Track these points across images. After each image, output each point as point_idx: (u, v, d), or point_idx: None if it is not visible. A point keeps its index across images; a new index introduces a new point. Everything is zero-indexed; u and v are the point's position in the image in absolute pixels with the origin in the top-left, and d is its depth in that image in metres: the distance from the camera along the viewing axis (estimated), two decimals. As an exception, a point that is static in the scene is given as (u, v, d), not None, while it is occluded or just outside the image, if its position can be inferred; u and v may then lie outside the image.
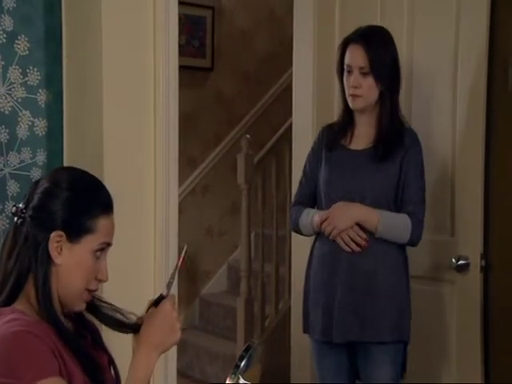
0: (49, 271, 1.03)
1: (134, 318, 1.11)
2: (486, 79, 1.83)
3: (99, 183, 1.09)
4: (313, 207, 1.83)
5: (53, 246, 1.03)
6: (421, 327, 1.87)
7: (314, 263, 1.80)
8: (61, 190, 1.04)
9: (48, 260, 1.03)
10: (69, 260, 1.03)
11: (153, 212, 1.86)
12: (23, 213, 1.04)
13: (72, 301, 1.06)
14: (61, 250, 1.03)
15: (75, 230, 1.03)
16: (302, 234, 1.84)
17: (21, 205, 1.05)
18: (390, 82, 1.74)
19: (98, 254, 1.06)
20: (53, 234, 1.02)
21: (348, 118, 1.80)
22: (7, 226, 1.83)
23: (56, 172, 1.13)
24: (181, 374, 2.19)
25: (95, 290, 1.08)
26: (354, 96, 1.73)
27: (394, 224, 1.72)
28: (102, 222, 1.05)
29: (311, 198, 1.83)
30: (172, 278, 1.11)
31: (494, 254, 1.86)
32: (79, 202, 1.04)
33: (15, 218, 1.05)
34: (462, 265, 1.86)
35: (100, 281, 1.07)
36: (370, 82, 1.71)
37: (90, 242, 1.04)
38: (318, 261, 1.78)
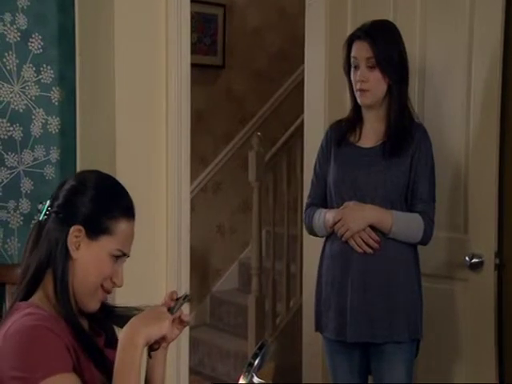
0: (67, 266, 1.04)
1: None
2: (500, 75, 1.81)
3: (124, 188, 1.12)
4: (327, 207, 1.82)
5: (71, 240, 1.04)
6: (434, 326, 1.86)
7: (326, 262, 1.80)
8: (86, 188, 1.07)
9: (66, 254, 1.04)
10: (86, 256, 1.05)
11: (165, 209, 1.87)
12: (48, 210, 1.06)
13: (87, 298, 1.06)
14: (79, 245, 1.05)
15: (95, 227, 1.05)
16: (317, 235, 1.83)
17: (47, 202, 1.08)
18: (398, 75, 1.72)
19: (115, 259, 1.07)
20: (72, 228, 1.04)
21: (357, 114, 1.80)
22: (21, 223, 1.85)
23: (83, 173, 1.17)
24: (192, 371, 2.20)
25: (109, 292, 1.08)
26: (361, 91, 1.72)
27: (407, 225, 1.71)
28: (121, 226, 1.06)
29: (325, 198, 1.82)
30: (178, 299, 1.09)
31: (508, 252, 1.84)
32: (102, 200, 1.07)
33: (40, 216, 1.07)
34: (475, 263, 1.84)
35: (114, 284, 1.08)
36: (376, 75, 1.70)
37: (107, 244, 1.05)
38: (330, 260, 1.78)
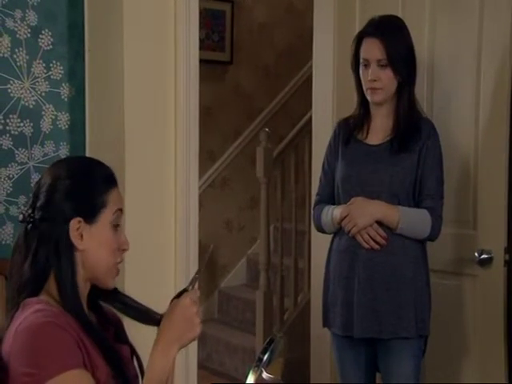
0: (74, 262, 1.04)
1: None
2: (510, 71, 1.80)
3: (96, 161, 1.12)
4: (335, 205, 1.81)
5: (74, 235, 1.04)
6: (442, 323, 1.86)
7: (333, 258, 1.80)
8: (63, 181, 1.05)
9: (71, 251, 1.04)
10: (92, 242, 1.05)
11: (173, 205, 1.88)
12: (31, 217, 1.04)
13: (105, 277, 1.08)
14: (81, 235, 1.04)
15: (91, 211, 1.05)
16: (325, 232, 1.84)
17: (28, 210, 1.05)
18: (408, 72, 1.72)
19: (115, 222, 1.07)
20: (72, 223, 1.03)
21: (364, 111, 1.79)
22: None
23: (52, 167, 1.12)
24: (200, 365, 2.21)
25: (121, 261, 1.10)
26: (372, 89, 1.72)
27: (414, 221, 1.70)
28: (111, 193, 1.07)
29: (333, 195, 1.82)
30: (197, 273, 1.11)
31: (517, 248, 1.83)
32: (84, 185, 1.06)
33: (25, 225, 1.04)
34: (484, 259, 1.84)
35: (124, 251, 1.09)
36: (388, 73, 1.70)
37: (106, 217, 1.06)
38: (337, 255, 1.78)
